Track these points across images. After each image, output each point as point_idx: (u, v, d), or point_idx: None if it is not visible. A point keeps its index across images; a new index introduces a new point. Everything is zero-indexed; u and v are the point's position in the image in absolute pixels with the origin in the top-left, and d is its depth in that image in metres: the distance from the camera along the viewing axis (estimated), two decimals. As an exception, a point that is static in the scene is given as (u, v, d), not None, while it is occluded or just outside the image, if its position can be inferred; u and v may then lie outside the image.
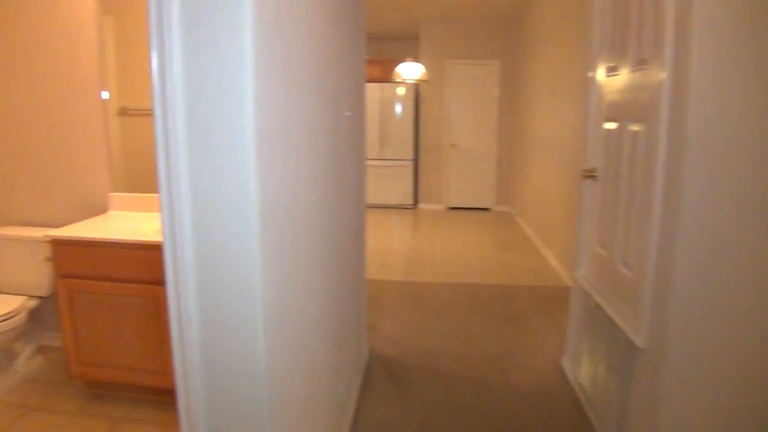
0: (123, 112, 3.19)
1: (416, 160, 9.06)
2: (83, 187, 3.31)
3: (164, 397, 2.88)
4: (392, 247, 6.57)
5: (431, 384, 3.23)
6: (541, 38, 6.58)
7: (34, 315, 3.26)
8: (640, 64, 2.21)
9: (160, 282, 2.63)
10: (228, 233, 1.36)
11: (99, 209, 3.29)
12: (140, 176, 3.23)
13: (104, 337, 2.79)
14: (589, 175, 2.83)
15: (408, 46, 9.16)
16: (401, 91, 8.81)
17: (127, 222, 3.01)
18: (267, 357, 1.42)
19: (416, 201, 9.19)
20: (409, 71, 7.23)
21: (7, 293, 3.28)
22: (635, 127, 2.25)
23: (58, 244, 2.73)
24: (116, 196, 3.24)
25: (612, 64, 2.59)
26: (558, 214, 5.57)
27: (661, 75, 1.97)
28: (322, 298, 2.10)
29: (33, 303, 3.21)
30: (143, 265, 2.66)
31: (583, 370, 3.02)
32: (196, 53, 1.27)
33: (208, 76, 1.28)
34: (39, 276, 3.20)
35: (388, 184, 8.96)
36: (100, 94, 3.18)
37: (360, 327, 3.27)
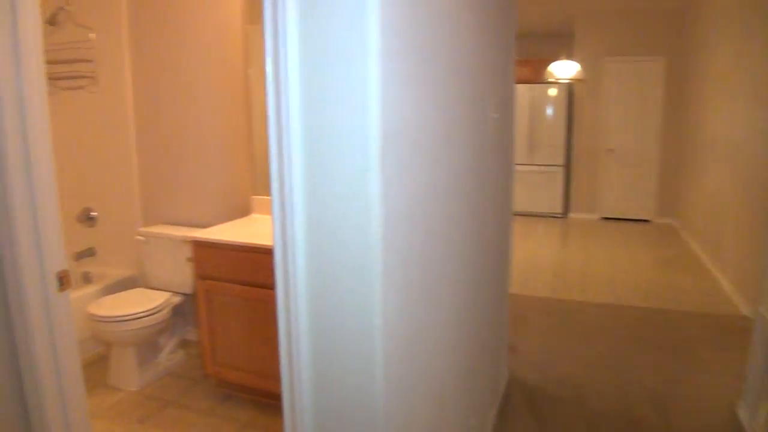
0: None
1: (567, 166, 8.47)
2: (228, 190, 3.36)
3: (291, 406, 2.80)
4: (538, 259, 6.14)
5: (577, 421, 2.85)
6: (719, 31, 5.77)
7: (177, 310, 3.37)
8: None
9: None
10: (345, 245, 1.17)
11: (242, 212, 3.32)
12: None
13: (237, 339, 2.77)
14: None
15: (561, 43, 8.59)
16: (553, 92, 8.28)
17: (266, 226, 2.98)
18: (385, 384, 1.22)
19: (566, 210, 8.58)
20: (563, 70, 6.73)
21: (155, 288, 3.42)
22: None
23: (198, 245, 2.76)
24: (258, 200, 3.25)
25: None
26: (735, 230, 4.82)
27: None
28: (455, 317, 1.86)
29: (177, 299, 3.31)
30: (260, 268, 2.58)
31: (766, 421, 2.48)
32: (313, 45, 1.10)
33: (326, 74, 1.10)
34: (184, 274, 3.30)
35: (535, 191, 8.47)
36: (245, 98, 3.20)
37: (500, 348, 2.98)
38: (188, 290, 3.33)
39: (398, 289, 1.27)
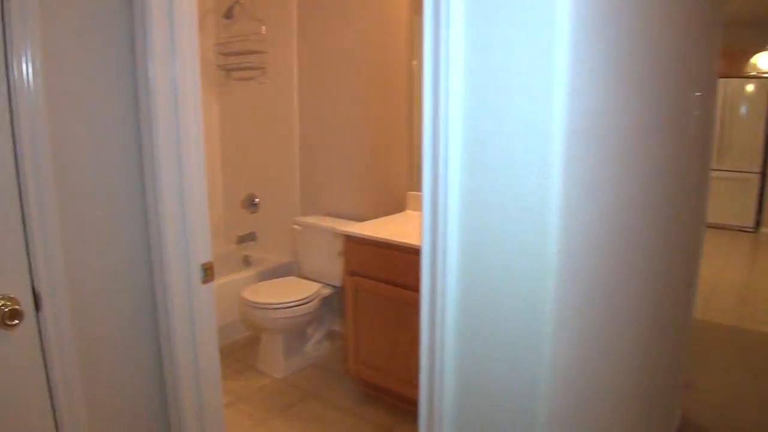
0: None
1: (765, 173, 7.35)
2: (385, 184, 3.26)
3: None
4: (722, 280, 5.37)
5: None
6: None
7: (327, 302, 3.35)
8: None
9: None
10: (508, 265, 0.96)
11: (397, 207, 3.21)
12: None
13: (381, 340, 2.66)
14: None
15: (764, 32, 7.45)
16: (750, 87, 7.22)
17: (419, 223, 2.83)
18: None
19: (759, 224, 7.47)
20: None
21: (307, 278, 3.44)
22: None
23: (349, 240, 2.69)
24: (415, 196, 3.11)
25: None
26: None
27: None
28: (630, 355, 1.55)
29: (327, 291, 3.29)
30: (411, 270, 2.43)
31: None
32: (482, 24, 0.89)
33: (499, 57, 0.89)
34: (335, 267, 3.27)
35: (722, 201, 7.45)
36: (408, 91, 3.07)
37: (675, 385, 2.56)
38: (338, 283, 3.30)
39: (573, 327, 1.02)
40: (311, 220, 3.39)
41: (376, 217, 3.24)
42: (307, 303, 3.05)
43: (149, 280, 1.56)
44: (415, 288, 2.52)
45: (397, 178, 3.20)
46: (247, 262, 3.97)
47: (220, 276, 3.91)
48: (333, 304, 3.58)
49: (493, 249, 1.00)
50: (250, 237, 3.98)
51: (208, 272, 1.55)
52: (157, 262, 1.50)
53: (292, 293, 3.06)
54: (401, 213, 3.10)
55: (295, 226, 3.42)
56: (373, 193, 3.32)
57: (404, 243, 2.46)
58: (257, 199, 3.91)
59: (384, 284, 2.58)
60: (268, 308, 2.96)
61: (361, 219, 3.35)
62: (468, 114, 0.97)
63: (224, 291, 3.43)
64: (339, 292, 3.43)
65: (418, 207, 3.10)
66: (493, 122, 0.94)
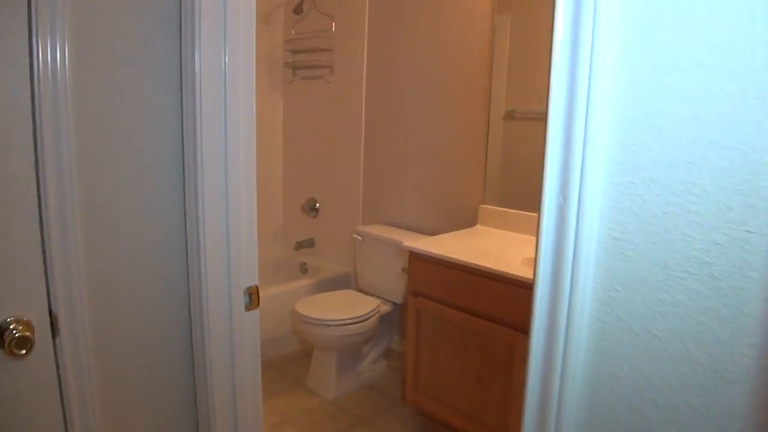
0: (509, 115, 2.74)
1: None
2: (455, 196, 2.99)
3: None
4: None
5: None
6: None
7: (385, 318, 3.11)
8: None
9: (519, 328, 2.09)
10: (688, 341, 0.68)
11: (467, 221, 2.93)
12: (516, 189, 2.74)
13: (445, 370, 2.39)
14: None
15: None
16: None
17: (492, 241, 2.55)
18: None
19: None
20: None
21: (365, 292, 3.21)
22: None
23: (414, 257, 2.43)
24: (487, 210, 2.82)
25: None
26: None
27: None
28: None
29: (387, 308, 3.05)
30: (501, 301, 2.14)
31: None
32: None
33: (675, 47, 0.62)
34: (396, 282, 3.02)
35: None
36: (486, 96, 2.79)
37: None
38: (399, 300, 3.05)
39: None
40: (373, 230, 3.15)
41: (443, 231, 2.97)
42: (364, 321, 2.81)
43: (186, 304, 1.35)
44: (487, 316, 2.25)
45: (469, 190, 2.92)
46: (303, 269, 3.78)
47: (275, 284, 3.73)
48: (392, 321, 3.33)
49: (654, 299, 0.72)
50: (308, 243, 3.79)
51: (253, 298, 1.33)
52: (195, 284, 1.29)
53: (349, 309, 2.83)
54: (472, 228, 2.82)
55: (356, 236, 3.19)
56: (441, 205, 3.05)
57: (478, 266, 2.18)
58: (318, 204, 3.71)
59: (451, 309, 2.31)
60: (322, 324, 2.74)
61: (427, 232, 3.09)
62: (622, 120, 0.70)
63: (278, 301, 3.24)
64: (399, 309, 3.19)
65: (490, 222, 2.83)
66: (679, 111, 0.67)
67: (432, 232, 3.07)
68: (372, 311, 2.86)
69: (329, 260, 3.71)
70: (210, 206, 1.24)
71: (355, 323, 2.77)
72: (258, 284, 1.34)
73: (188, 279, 1.32)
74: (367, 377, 3.05)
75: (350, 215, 3.51)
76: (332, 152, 3.56)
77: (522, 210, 2.67)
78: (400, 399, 2.90)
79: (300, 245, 3.77)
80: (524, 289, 2.07)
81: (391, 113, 3.23)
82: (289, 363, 3.26)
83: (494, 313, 2.17)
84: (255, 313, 1.35)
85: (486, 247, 2.46)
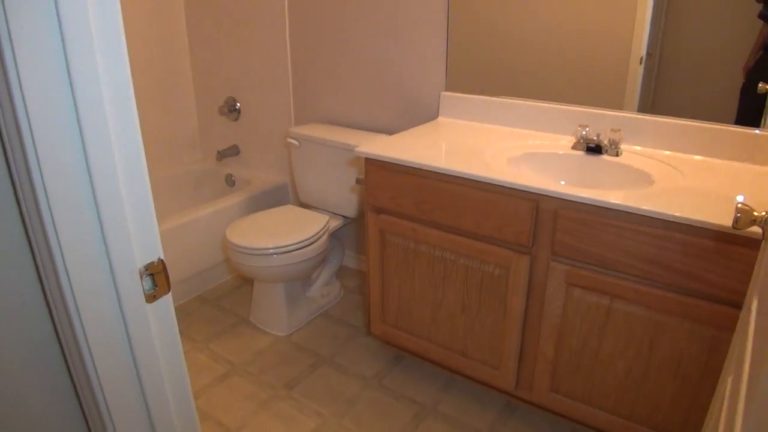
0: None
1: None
2: (410, 81, 2.44)
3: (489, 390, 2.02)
4: None
5: None
6: None
7: (335, 234, 2.64)
8: None
9: (514, 247, 1.67)
10: None
11: (427, 114, 2.41)
12: (487, 70, 2.22)
13: (419, 299, 1.98)
14: None
15: None
16: None
17: (464, 137, 2.06)
18: None
19: None
20: None
21: (307, 206, 2.70)
22: None
23: (371, 165, 1.92)
24: (451, 98, 2.30)
25: None
26: None
27: None
28: None
29: (336, 223, 2.57)
30: (489, 214, 1.70)
31: None
32: None
33: None
34: (346, 193, 2.52)
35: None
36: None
37: None
38: (352, 214, 2.57)
39: None
40: (311, 131, 2.58)
41: (398, 128, 2.46)
42: (312, 244, 2.33)
43: (47, 317, 0.81)
44: (472, 234, 1.81)
45: (427, 74, 2.38)
46: (230, 181, 3.20)
47: (198, 203, 3.16)
48: (343, 236, 2.87)
49: None
50: (232, 151, 3.19)
51: (158, 279, 0.80)
52: (51, 280, 0.74)
53: (292, 231, 2.32)
54: (433, 122, 2.31)
55: (290, 140, 2.62)
56: (392, 95, 2.50)
57: (457, 172, 1.71)
58: (238, 104, 3.07)
59: (425, 227, 1.86)
60: (262, 254, 2.24)
61: (378, 129, 2.56)
62: None
63: (204, 225, 2.69)
64: (352, 222, 2.72)
65: (456, 113, 2.33)
66: None
67: (384, 130, 2.55)
68: (320, 231, 2.37)
69: (259, 170, 3.14)
70: (49, 135, 0.67)
71: (300, 248, 2.28)
72: (163, 257, 0.81)
73: (40, 278, 0.77)
74: (320, 305, 2.62)
75: (280, 114, 2.91)
76: (250, 38, 2.87)
77: (495, 96, 2.18)
78: (362, 327, 2.50)
79: (222, 155, 3.16)
80: (517, 198, 1.63)
81: (319, -18, 2.56)
82: (226, 296, 2.77)
83: (481, 230, 1.73)
84: (165, 300, 0.83)
85: (459, 145, 1.98)
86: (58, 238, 0.70)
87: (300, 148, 2.60)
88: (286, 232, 2.31)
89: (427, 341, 2.03)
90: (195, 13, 3.05)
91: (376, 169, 1.91)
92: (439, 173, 1.75)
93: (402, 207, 1.88)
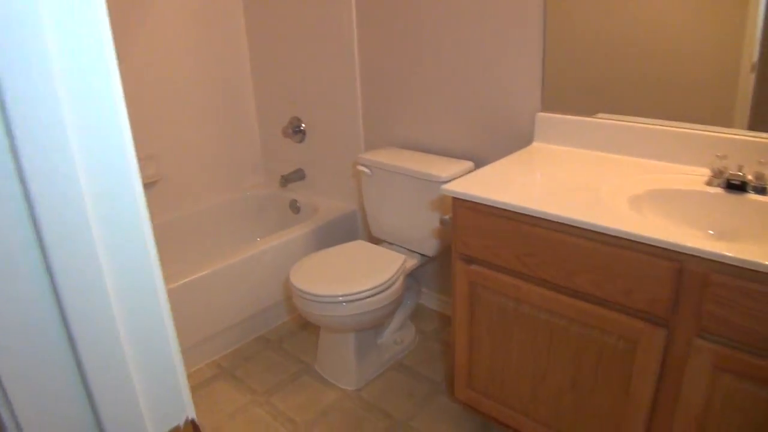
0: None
1: None
2: (499, 99, 2.11)
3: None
4: None
5: None
6: None
7: (411, 273, 2.33)
8: None
9: (645, 315, 1.31)
10: None
11: (519, 137, 2.08)
12: (593, 86, 1.87)
13: (517, 367, 1.64)
14: None
15: None
16: None
17: (572, 169, 1.71)
18: None
19: None
20: None
21: (379, 240, 2.41)
22: None
23: (460, 206, 1.60)
24: (548, 120, 1.96)
25: None
26: None
27: None
28: None
29: (413, 262, 2.26)
30: (612, 272, 1.35)
31: None
32: None
33: None
34: (425, 228, 2.21)
35: None
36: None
37: None
38: (431, 252, 2.26)
39: None
40: (384, 157, 2.28)
41: (483, 153, 2.14)
42: (387, 289, 2.03)
43: None
44: (589, 296, 1.39)
45: (520, 91, 2.04)
46: (295, 207, 2.96)
47: (262, 231, 2.94)
48: (420, 275, 2.57)
49: None
50: (297, 175, 2.94)
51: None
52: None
53: (365, 275, 2.04)
54: (528, 149, 1.97)
55: (361, 167, 2.34)
56: (478, 115, 2.18)
57: (570, 219, 1.37)
58: (303, 125, 2.82)
59: (527, 284, 1.52)
60: (329, 302, 1.96)
61: (461, 154, 2.25)
62: None
63: (270, 258, 2.45)
64: (430, 261, 2.42)
65: (556, 138, 1.97)
66: None
67: (467, 156, 2.23)
68: (395, 274, 2.07)
69: (327, 195, 2.88)
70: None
71: (373, 295, 1.99)
72: (194, 415, 0.53)
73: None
74: (393, 353, 2.32)
75: (349, 136, 2.64)
76: (316, 53, 2.61)
77: (609, 115, 1.82)
78: (441, 383, 2.18)
79: (287, 179, 2.91)
80: (652, 256, 1.27)
81: (395, -11, 2.27)
82: (290, 338, 2.51)
83: (602, 292, 1.38)
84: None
85: (565, 179, 1.63)
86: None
87: (371, 177, 2.32)
88: (357, 277, 2.03)
89: (523, 416, 1.69)
90: (256, 29, 2.82)
91: (466, 211, 1.59)
92: (548, 220, 1.42)
93: (500, 258, 1.55)
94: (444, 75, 2.22)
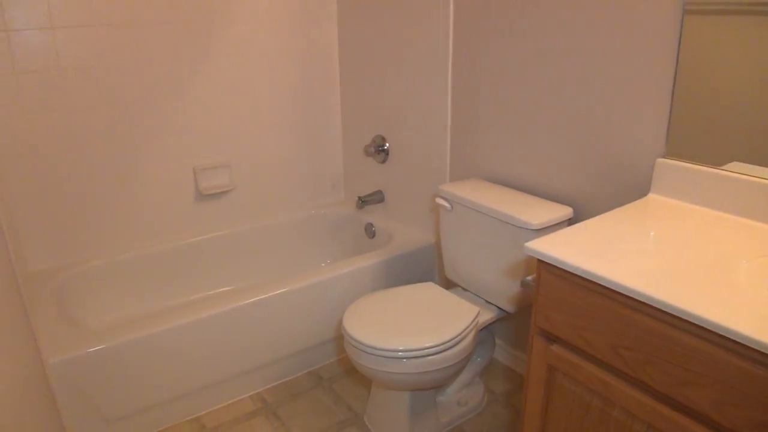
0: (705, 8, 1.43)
1: None
2: (611, 138, 1.77)
3: None
4: None
5: None
6: None
7: (485, 327, 2.02)
8: None
9: None
10: None
11: (633, 185, 1.73)
12: (732, 131, 1.48)
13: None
14: None
15: None
16: None
17: (699, 237, 1.34)
18: None
19: None
20: None
21: (454, 284, 2.12)
22: None
23: (545, 270, 1.29)
24: (672, 168, 1.59)
25: None
26: None
27: None
28: None
29: (488, 316, 1.96)
30: (735, 389, 0.99)
31: None
32: None
33: None
34: (504, 279, 1.90)
35: None
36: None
37: None
38: (510, 308, 1.94)
39: None
40: (468, 191, 1.99)
41: (587, 200, 1.80)
42: (454, 346, 1.74)
43: None
44: (703, 415, 0.95)
45: (637, 131, 1.69)
46: (370, 231, 2.73)
47: (335, 253, 2.75)
48: (495, 329, 2.25)
49: None
50: (376, 198, 2.71)
51: None
52: None
53: (431, 328, 1.76)
54: (642, 201, 1.60)
55: (440, 201, 2.06)
56: (583, 153, 1.85)
57: (691, 314, 1.02)
58: (387, 145, 2.59)
59: (621, 382, 1.18)
60: (388, 357, 1.69)
61: (557, 197, 1.93)
62: None
63: (337, 286, 2.24)
64: (509, 316, 2.10)
65: (679, 191, 1.58)
66: None
67: (567, 199, 1.90)
68: (466, 329, 1.78)
69: (404, 223, 2.63)
70: None
71: (438, 352, 1.71)
72: None
73: None
74: (455, 416, 2.02)
75: (434, 160, 2.37)
76: (407, 70, 2.37)
77: (743, 165, 1.43)
78: (508, 462, 1.86)
79: (365, 201, 2.69)
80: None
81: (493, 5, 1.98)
82: (342, 378, 2.28)
83: (724, 418, 1.02)
84: None
85: (690, 251, 1.26)
86: None
87: (451, 212, 2.04)
88: (422, 329, 1.75)
89: None
90: (348, 41, 2.63)
91: (553, 278, 1.27)
92: (659, 310, 1.08)
93: (590, 344, 1.22)
94: (545, 102, 1.90)
